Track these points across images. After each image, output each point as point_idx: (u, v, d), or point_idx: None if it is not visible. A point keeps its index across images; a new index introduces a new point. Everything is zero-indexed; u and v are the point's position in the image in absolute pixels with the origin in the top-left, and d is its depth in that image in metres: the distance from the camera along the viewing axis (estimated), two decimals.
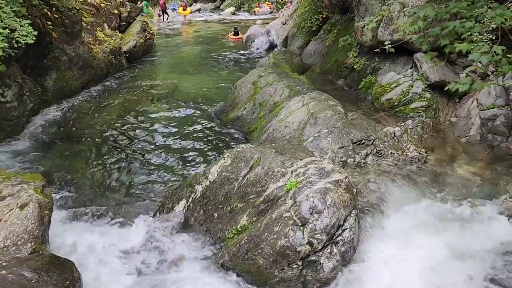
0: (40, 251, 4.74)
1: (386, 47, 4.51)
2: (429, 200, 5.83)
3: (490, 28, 5.86)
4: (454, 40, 3.79)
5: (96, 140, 8.87)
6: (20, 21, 8.06)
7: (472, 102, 7.80)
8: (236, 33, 19.57)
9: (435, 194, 5.96)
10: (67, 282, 4.35)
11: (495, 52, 3.40)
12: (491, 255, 4.89)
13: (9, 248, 4.60)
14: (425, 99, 8.33)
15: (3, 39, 7.35)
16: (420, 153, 6.92)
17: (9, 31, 7.71)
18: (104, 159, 8.06)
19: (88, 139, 8.91)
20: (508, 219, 5.43)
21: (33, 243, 4.72)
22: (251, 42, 17.68)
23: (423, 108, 8.26)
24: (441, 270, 4.69)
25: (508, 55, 3.56)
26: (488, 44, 3.76)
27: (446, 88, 3.89)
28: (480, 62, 3.43)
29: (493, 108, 7.36)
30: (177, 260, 5.30)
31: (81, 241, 5.53)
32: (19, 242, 4.66)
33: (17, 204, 4.92)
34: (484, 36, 6.88)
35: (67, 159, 8.05)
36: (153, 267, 5.20)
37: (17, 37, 7.88)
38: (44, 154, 8.21)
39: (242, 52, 16.90)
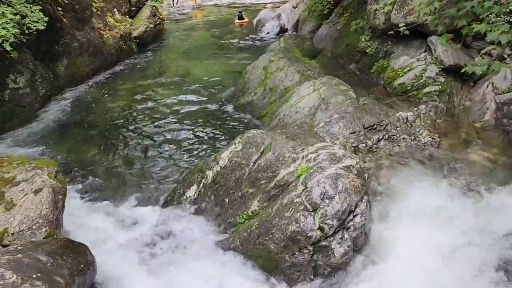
0: (55, 235, 4.81)
1: (401, 29, 4.40)
2: (442, 186, 5.76)
3: (508, 10, 5.67)
4: (472, 21, 3.66)
5: (108, 125, 8.93)
6: (30, 7, 8.05)
7: (487, 86, 7.63)
8: (240, 17, 19.32)
9: (448, 180, 5.88)
10: (82, 265, 4.43)
11: None
12: (504, 240, 4.84)
13: (24, 232, 4.69)
14: (439, 83, 8.17)
15: (14, 25, 7.36)
16: (433, 138, 6.83)
17: (20, 17, 7.72)
18: (115, 144, 8.12)
19: (100, 124, 8.97)
20: None
21: (47, 227, 4.80)
22: (262, 27, 17.45)
23: (437, 93, 8.10)
24: (455, 256, 4.67)
25: None
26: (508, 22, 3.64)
27: (462, 71, 3.78)
28: (499, 42, 3.31)
29: (509, 92, 7.18)
30: (188, 245, 5.35)
31: (95, 225, 5.62)
32: (34, 227, 4.74)
33: (32, 189, 4.99)
34: (501, 18, 6.68)
35: (80, 144, 8.13)
36: (164, 251, 5.27)
37: (28, 23, 7.89)
38: (57, 140, 8.29)
39: (252, 36, 16.73)
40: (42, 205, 4.87)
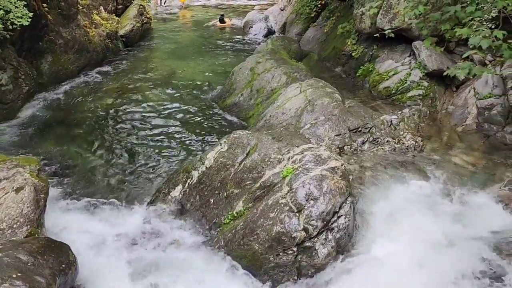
0: (36, 235, 4.73)
1: (386, 32, 4.47)
2: (425, 188, 5.85)
3: (490, 17, 5.81)
4: (455, 25, 3.75)
5: (92, 125, 8.82)
6: (15, 2, 7.92)
7: (469, 91, 7.79)
8: (222, 21, 19.34)
9: (431, 183, 5.98)
10: (63, 265, 4.36)
11: (495, 36, 3.37)
12: (483, 243, 4.94)
13: (5, 231, 4.60)
14: (423, 87, 8.32)
15: None
16: (416, 142, 6.94)
17: (3, 12, 7.58)
18: (100, 144, 8.03)
19: (84, 123, 8.85)
20: (503, 208, 5.48)
21: (28, 226, 4.72)
22: (249, 28, 17.46)
23: (420, 97, 8.24)
24: (434, 258, 4.74)
25: (509, 41, 3.52)
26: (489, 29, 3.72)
27: (444, 74, 3.88)
28: (480, 47, 3.40)
29: (490, 97, 7.36)
30: (173, 245, 5.32)
31: (77, 225, 5.54)
32: (14, 225, 4.66)
33: (13, 188, 4.91)
34: (483, 24, 6.83)
35: (63, 143, 8.00)
36: (148, 251, 5.22)
37: (12, 18, 7.76)
38: (39, 138, 8.16)
39: (240, 38, 16.73)
40: (24, 203, 4.79)
